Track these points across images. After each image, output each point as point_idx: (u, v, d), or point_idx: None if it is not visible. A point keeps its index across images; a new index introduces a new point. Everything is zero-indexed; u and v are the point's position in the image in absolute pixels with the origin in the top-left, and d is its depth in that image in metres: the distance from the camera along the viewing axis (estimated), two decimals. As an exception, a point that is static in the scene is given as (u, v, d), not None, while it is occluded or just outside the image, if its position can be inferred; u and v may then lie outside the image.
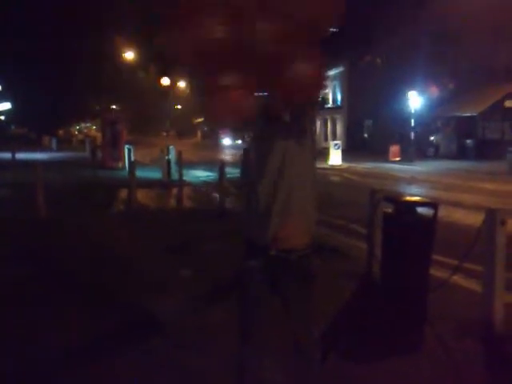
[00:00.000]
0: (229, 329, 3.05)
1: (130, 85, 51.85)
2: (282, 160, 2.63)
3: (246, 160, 2.85)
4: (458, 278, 5.19)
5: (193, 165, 21.46)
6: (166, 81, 54.47)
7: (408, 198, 4.90)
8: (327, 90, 45.22)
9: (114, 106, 38.24)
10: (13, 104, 44.59)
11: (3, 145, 33.91)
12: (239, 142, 48.75)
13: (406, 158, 26.97)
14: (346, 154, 27.08)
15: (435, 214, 4.37)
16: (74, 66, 44.05)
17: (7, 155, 26.82)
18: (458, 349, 3.89)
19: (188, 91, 65.31)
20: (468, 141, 28.18)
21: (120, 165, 22.24)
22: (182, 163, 14.94)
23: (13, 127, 50.05)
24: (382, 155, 27.77)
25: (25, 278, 5.62)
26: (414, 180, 17.55)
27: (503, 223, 4.04)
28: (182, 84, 60.50)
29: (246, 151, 2.89)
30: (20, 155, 26.36)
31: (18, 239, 7.87)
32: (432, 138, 31.43)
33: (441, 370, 3.63)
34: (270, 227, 2.61)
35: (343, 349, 3.54)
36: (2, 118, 46.53)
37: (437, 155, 29.63)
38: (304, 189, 2.65)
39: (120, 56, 42.24)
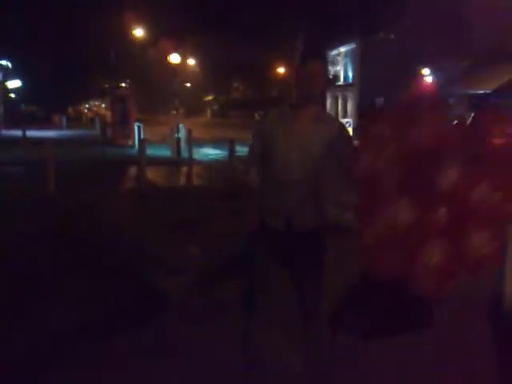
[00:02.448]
0: (236, 305, 3.05)
1: (139, 62, 51.60)
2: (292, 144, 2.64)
3: (255, 141, 2.82)
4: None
5: (202, 143, 21.39)
6: (175, 58, 54.14)
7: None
8: (338, 67, 44.72)
9: (123, 84, 38.09)
10: (23, 82, 44.58)
11: (14, 123, 34.02)
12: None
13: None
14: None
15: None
16: (83, 43, 43.82)
17: (18, 133, 26.90)
18: (467, 324, 3.88)
19: (197, 69, 64.97)
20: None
21: (130, 142, 22.24)
22: (192, 141, 14.91)
23: (23, 105, 50.08)
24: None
25: (34, 259, 5.65)
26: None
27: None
28: (191, 61, 60.09)
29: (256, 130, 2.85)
30: (30, 133, 26.42)
31: (28, 219, 7.91)
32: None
33: (450, 346, 3.62)
34: (282, 212, 2.64)
35: (351, 324, 3.53)
36: (13, 95, 46.56)
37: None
38: (319, 171, 2.62)
39: (129, 33, 41.91)
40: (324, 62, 2.80)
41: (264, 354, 2.76)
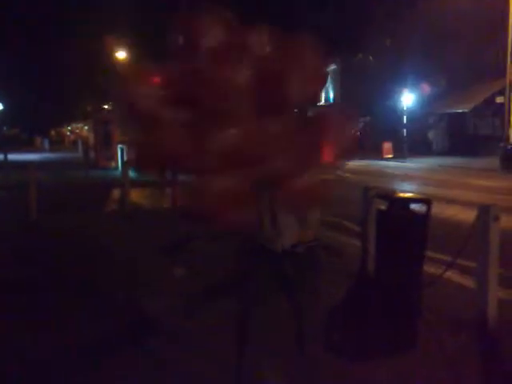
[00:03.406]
0: (225, 328, 3.05)
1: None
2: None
3: None
4: (451, 274, 5.22)
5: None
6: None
7: (401, 195, 4.92)
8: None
9: (105, 106, 38.05)
10: (4, 105, 44.30)
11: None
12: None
13: (399, 154, 27.07)
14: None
15: (428, 211, 4.40)
16: (65, 66, 43.84)
17: (-1, 156, 26.64)
18: (452, 344, 3.92)
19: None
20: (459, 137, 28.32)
21: (113, 164, 22.19)
22: (176, 162, 14.91)
23: (4, 128, 49.76)
24: (375, 152, 27.84)
25: (17, 282, 5.61)
26: (407, 177, 17.62)
27: (496, 219, 4.07)
28: (174, 83, 60.26)
29: None
30: (12, 156, 26.18)
31: (10, 241, 7.84)
32: (429, 135, 31.49)
33: (435, 364, 3.65)
34: (280, 238, 2.67)
35: (337, 345, 3.56)
36: (-6, 119, 46.24)
37: (429, 152, 29.76)
38: None
39: (111, 56, 42.04)
40: None
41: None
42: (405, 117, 29.51)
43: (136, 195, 12.33)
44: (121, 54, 40.17)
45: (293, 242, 2.71)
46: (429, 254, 4.67)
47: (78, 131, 63.79)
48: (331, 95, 43.92)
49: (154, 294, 5.14)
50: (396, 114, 30.78)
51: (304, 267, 2.70)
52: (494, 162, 20.48)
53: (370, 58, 36.61)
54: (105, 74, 36.97)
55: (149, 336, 4.15)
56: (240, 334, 2.76)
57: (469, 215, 5.33)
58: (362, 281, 5.16)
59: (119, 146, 21.90)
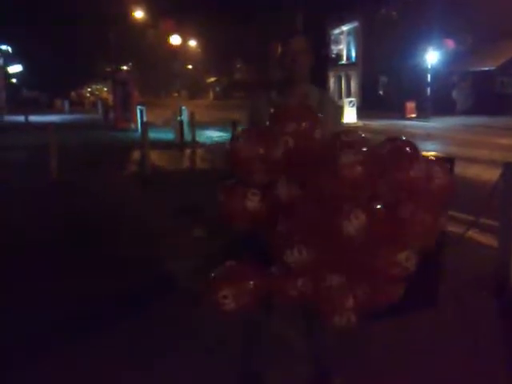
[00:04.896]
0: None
1: (140, 44, 51.23)
2: None
3: None
4: (474, 234, 5.14)
5: (205, 125, 21.28)
6: (176, 39, 53.64)
7: (424, 154, 4.79)
8: (341, 46, 44.24)
9: (124, 67, 37.85)
10: (24, 67, 44.39)
11: (16, 108, 33.95)
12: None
13: (423, 114, 26.51)
14: (361, 112, 26.64)
15: (451, 169, 4.27)
16: (84, 26, 43.47)
17: (20, 118, 26.87)
18: (473, 302, 3.88)
19: (199, 50, 64.42)
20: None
21: (132, 126, 22.16)
22: (195, 124, 14.83)
23: (24, 90, 49.93)
24: (398, 112, 27.30)
25: (36, 243, 5.69)
26: (430, 136, 17.27)
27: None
28: (192, 43, 59.60)
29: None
30: (33, 118, 26.37)
31: (31, 204, 7.94)
32: (454, 94, 30.67)
33: (455, 323, 3.62)
34: None
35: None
36: (14, 80, 46.41)
37: (454, 111, 29.07)
38: None
39: (129, 15, 41.57)
40: (306, 38, 2.61)
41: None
42: (429, 75, 28.73)
43: (155, 157, 12.32)
44: (138, 14, 39.70)
45: None
46: (451, 213, 4.57)
47: (97, 93, 63.93)
48: (353, 54, 42.96)
49: (173, 254, 5.17)
50: (420, 72, 29.96)
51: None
52: (520, 120, 19.95)
53: (394, 13, 35.45)
54: (122, 34, 36.64)
55: (166, 295, 4.19)
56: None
57: (493, 174, 5.20)
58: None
59: (138, 107, 21.85)
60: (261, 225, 2.13)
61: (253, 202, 2.11)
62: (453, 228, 5.07)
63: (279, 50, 2.60)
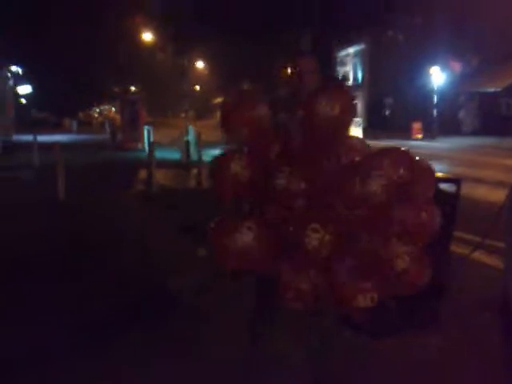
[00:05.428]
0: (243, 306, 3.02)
1: (148, 66, 51.80)
2: None
3: None
4: (479, 254, 5.09)
5: (212, 145, 21.37)
6: (183, 60, 54.23)
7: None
8: (348, 68, 44.58)
9: (132, 88, 38.25)
10: (33, 87, 44.94)
11: (25, 128, 34.27)
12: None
13: (429, 134, 26.54)
14: (368, 132, 26.70)
15: (458, 190, 4.26)
16: (93, 47, 44.15)
17: (29, 137, 27.06)
18: (476, 321, 3.85)
19: (206, 71, 65.02)
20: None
21: (139, 146, 22.30)
22: (201, 144, 14.91)
23: (34, 110, 50.51)
24: (404, 132, 27.34)
25: (40, 260, 5.69)
26: (437, 157, 17.25)
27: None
28: (199, 64, 60.20)
29: None
30: (41, 137, 26.56)
31: (37, 221, 7.95)
32: (460, 115, 30.72)
33: (458, 342, 3.58)
34: None
35: (358, 323, 3.50)
36: (23, 101, 46.96)
37: (460, 132, 29.09)
38: None
39: (138, 37, 42.13)
40: (314, 59, 2.62)
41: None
42: (435, 96, 28.84)
43: (162, 176, 12.37)
44: (146, 36, 40.24)
45: None
46: (457, 233, 4.54)
47: (105, 113, 64.49)
48: (359, 75, 43.26)
49: (176, 272, 5.16)
50: (426, 93, 30.09)
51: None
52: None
53: (400, 36, 35.76)
54: (131, 56, 37.10)
55: (169, 311, 4.17)
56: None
57: (498, 195, 5.17)
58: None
59: (146, 127, 22.01)
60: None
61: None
62: (459, 249, 5.05)
63: (287, 70, 2.62)
